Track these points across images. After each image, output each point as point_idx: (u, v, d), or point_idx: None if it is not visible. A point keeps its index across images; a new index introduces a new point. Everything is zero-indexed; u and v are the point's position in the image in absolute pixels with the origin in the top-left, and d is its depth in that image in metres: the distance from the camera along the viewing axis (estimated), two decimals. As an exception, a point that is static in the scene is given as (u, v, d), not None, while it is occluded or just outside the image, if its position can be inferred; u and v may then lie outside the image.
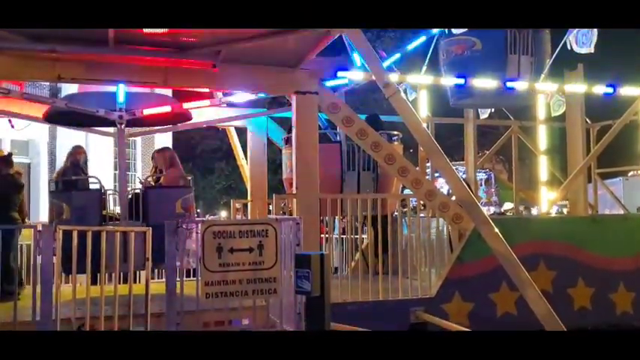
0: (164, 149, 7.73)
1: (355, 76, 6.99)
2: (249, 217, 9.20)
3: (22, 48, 5.53)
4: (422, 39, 8.14)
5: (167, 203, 6.50)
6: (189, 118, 7.98)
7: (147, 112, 6.64)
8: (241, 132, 10.55)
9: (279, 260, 4.98)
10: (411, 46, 8.14)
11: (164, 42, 5.76)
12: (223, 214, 19.99)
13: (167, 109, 6.96)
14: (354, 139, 6.68)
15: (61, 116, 7.15)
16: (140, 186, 7.04)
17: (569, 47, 7.91)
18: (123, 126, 6.53)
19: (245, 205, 9.89)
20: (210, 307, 5.03)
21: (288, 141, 8.41)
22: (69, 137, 12.31)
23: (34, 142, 16.23)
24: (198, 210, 25.73)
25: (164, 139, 20.67)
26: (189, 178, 7.29)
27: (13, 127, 8.23)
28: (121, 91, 6.35)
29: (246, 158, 10.04)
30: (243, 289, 4.87)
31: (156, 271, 7.52)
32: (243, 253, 4.88)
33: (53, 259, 4.62)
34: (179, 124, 8.48)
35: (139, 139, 19.58)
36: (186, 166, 27.58)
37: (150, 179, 7.57)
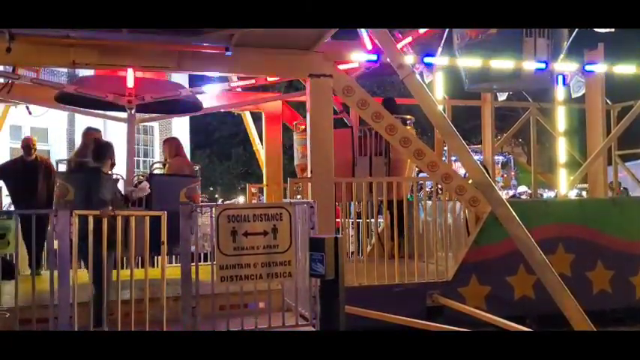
0: (170, 139, 7.72)
1: (369, 58, 6.92)
2: (264, 201, 9.23)
3: (36, 34, 5.56)
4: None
5: (171, 191, 6.45)
6: (200, 107, 7.98)
7: (156, 98, 6.64)
8: (257, 117, 10.56)
9: (293, 244, 4.98)
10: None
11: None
12: (241, 199, 20.08)
13: (176, 95, 6.94)
14: (369, 121, 6.63)
15: (71, 98, 7.17)
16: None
17: (589, 26, 7.71)
18: (133, 111, 6.52)
19: (261, 190, 9.92)
20: (226, 291, 5.05)
21: (299, 127, 8.35)
22: (87, 123, 12.40)
23: (53, 129, 16.44)
24: (217, 195, 25.91)
25: (182, 126, 20.82)
26: (196, 167, 7.27)
27: (30, 113, 8.31)
28: (131, 76, 6.34)
29: (262, 143, 10.06)
30: (258, 273, 4.88)
31: (173, 256, 7.58)
32: (257, 237, 4.88)
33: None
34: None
35: (156, 125, 19.73)
36: (204, 152, 27.86)
37: (156, 167, 7.59)
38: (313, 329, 5.05)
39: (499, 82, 8.45)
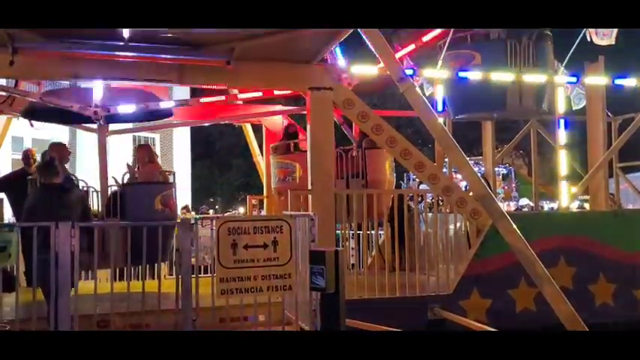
0: (143, 146, 7.61)
1: (369, 71, 6.95)
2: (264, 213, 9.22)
3: (39, 48, 5.60)
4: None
5: (145, 199, 6.40)
6: (171, 113, 7.99)
7: (122, 108, 6.64)
8: (257, 128, 10.59)
9: (293, 256, 4.97)
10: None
11: (178, 40, 5.79)
12: (241, 210, 20.08)
13: (141, 105, 6.96)
14: (370, 134, 6.65)
15: (41, 112, 7.12)
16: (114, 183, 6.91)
17: (588, 39, 7.75)
18: (102, 122, 6.52)
19: (261, 201, 9.92)
20: (226, 304, 5.04)
21: (277, 149, 8.27)
22: (89, 136, 12.44)
23: (54, 141, 16.47)
24: (217, 206, 25.90)
25: (183, 136, 20.88)
26: (170, 174, 7.24)
27: (32, 125, 8.35)
28: (98, 87, 6.36)
29: (262, 154, 10.07)
30: (258, 286, 4.87)
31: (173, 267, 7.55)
32: (257, 250, 4.87)
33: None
34: (181, 121, 8.49)
35: (157, 137, 19.78)
36: (205, 163, 27.81)
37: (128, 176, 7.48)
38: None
39: (483, 112, 8.54)
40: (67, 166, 6.86)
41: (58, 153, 6.59)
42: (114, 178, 6.72)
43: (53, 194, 5.24)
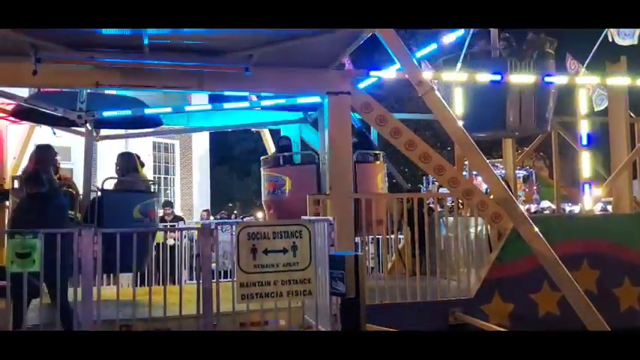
0: (126, 154, 7.53)
1: (388, 75, 6.95)
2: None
3: (61, 57, 5.69)
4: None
5: (123, 208, 6.38)
6: (160, 122, 8.00)
7: (106, 114, 6.68)
8: (275, 133, 10.62)
9: (313, 261, 4.96)
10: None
11: (198, 48, 5.84)
12: (260, 215, 20.14)
13: (127, 112, 6.99)
14: (388, 138, 6.62)
15: (32, 113, 7.23)
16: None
17: (610, 39, 7.63)
18: (89, 126, 6.54)
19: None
20: (246, 309, 5.05)
21: (267, 162, 8.25)
22: (108, 142, 12.58)
23: (75, 148, 16.68)
24: (235, 211, 25.99)
25: (202, 142, 20.97)
26: (152, 183, 7.19)
27: (54, 133, 8.49)
28: (84, 92, 6.43)
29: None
30: (278, 291, 4.88)
31: (193, 273, 7.60)
32: (277, 255, 4.89)
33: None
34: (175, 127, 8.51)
35: (177, 143, 19.92)
36: (223, 169, 27.87)
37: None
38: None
39: (485, 131, 8.50)
40: (79, 170, 6.92)
41: (42, 156, 6.64)
42: (95, 185, 6.76)
43: (34, 203, 5.36)
